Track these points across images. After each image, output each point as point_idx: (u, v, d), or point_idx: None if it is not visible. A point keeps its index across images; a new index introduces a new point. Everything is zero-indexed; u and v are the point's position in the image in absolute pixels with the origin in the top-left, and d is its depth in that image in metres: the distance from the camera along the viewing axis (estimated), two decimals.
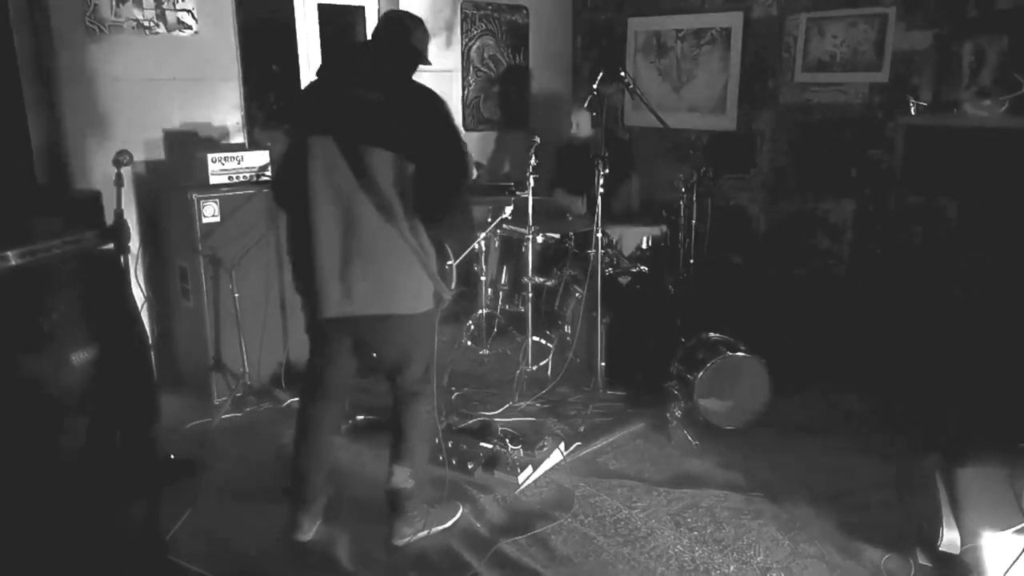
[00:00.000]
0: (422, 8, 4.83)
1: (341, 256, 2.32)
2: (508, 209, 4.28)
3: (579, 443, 3.34)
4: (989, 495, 2.52)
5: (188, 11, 3.83)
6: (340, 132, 2.29)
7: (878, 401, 3.80)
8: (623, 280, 3.99)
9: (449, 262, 2.54)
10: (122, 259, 2.23)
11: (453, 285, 2.59)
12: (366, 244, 2.31)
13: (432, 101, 2.35)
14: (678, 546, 2.65)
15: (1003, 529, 2.40)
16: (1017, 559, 2.32)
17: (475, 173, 4.66)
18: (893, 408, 3.71)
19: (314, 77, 2.47)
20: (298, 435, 2.66)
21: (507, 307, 4.55)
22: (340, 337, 2.56)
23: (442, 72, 5.08)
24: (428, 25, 2.54)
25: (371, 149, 2.27)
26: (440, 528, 2.74)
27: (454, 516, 2.80)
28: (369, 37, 2.54)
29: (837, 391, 3.92)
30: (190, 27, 3.85)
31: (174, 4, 3.77)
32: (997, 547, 2.38)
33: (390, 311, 2.39)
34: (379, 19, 2.56)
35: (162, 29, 3.76)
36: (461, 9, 5.10)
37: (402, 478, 2.60)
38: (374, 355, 2.62)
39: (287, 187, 2.42)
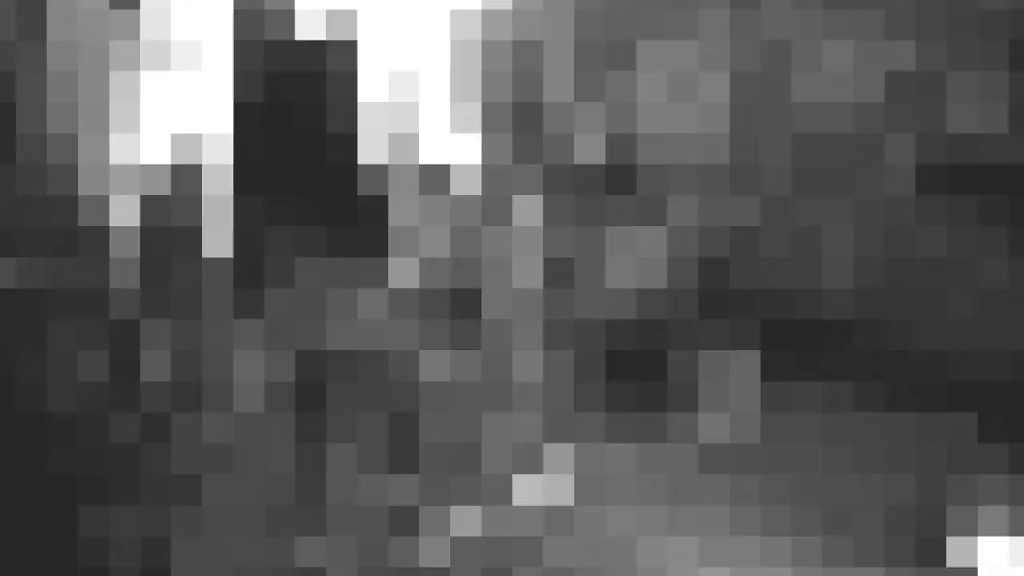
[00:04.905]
0: None
1: None
2: None
3: (577, 447, 3.32)
4: (991, 499, 2.50)
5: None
6: None
7: (881, 403, 3.77)
8: None
9: None
10: None
11: None
12: None
13: None
14: (679, 552, 2.64)
15: (1007, 533, 2.38)
16: (1018, 565, 2.31)
17: None
18: (897, 410, 3.69)
19: None
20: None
21: None
22: None
23: None
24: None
25: None
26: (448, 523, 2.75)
27: (462, 512, 2.81)
28: None
29: (839, 394, 3.89)
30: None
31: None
32: (1001, 552, 2.36)
33: None
34: None
35: None
36: None
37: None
38: None
39: None
